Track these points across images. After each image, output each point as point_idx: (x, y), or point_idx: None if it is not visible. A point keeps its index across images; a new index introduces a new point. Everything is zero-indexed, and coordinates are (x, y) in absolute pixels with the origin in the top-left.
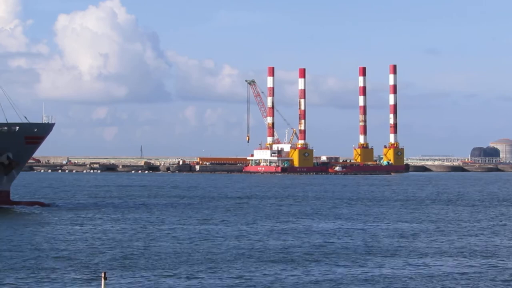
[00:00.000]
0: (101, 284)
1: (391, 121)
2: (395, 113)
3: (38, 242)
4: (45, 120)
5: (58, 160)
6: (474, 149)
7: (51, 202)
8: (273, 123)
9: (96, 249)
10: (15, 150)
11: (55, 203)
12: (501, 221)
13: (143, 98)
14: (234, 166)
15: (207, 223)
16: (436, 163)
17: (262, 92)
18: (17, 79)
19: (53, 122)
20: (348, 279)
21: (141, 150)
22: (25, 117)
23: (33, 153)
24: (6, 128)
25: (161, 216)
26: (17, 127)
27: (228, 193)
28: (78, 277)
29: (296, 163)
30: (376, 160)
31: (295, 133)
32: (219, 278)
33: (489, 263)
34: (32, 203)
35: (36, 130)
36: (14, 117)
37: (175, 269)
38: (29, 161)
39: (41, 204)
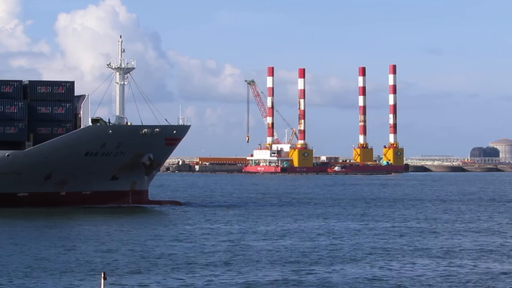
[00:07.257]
0: (101, 284)
1: (391, 121)
2: (395, 113)
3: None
4: (181, 122)
5: None
6: (473, 149)
7: (184, 201)
8: (272, 123)
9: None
10: (155, 151)
11: (194, 203)
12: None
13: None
14: (234, 166)
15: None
16: (436, 163)
17: (262, 92)
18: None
19: (189, 124)
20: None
21: None
22: (166, 120)
23: (170, 154)
24: (148, 130)
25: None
26: (158, 129)
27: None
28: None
29: (295, 163)
30: (375, 160)
31: (295, 133)
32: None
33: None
34: (169, 202)
35: (175, 132)
36: (150, 119)
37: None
38: None
39: (178, 203)
